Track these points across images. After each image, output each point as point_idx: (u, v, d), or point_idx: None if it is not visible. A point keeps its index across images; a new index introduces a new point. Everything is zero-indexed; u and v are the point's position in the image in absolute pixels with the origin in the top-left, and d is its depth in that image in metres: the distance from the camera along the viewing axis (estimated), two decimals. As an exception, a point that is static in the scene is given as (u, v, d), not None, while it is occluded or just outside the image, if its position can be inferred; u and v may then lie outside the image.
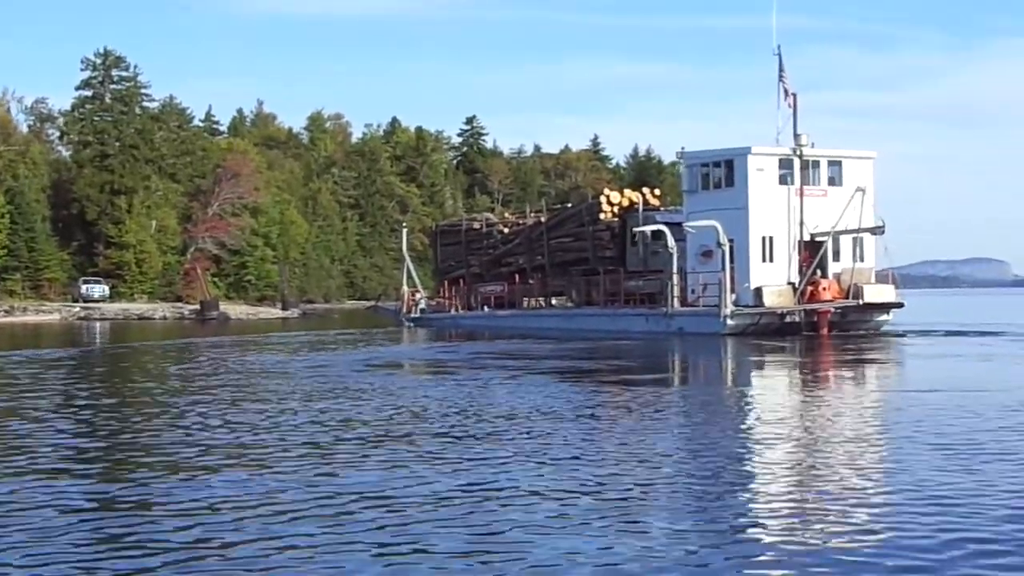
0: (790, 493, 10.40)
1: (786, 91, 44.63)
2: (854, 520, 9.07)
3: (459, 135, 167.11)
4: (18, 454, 12.98)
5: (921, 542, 8.30)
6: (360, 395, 19.61)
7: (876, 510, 9.47)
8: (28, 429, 15.37)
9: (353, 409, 17.31)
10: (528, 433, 14.33)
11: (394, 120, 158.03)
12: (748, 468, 11.99)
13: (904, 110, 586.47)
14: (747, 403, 19.25)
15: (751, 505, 9.95)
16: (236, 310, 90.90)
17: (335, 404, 18.08)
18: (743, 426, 15.61)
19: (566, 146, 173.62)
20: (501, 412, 16.60)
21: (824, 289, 42.88)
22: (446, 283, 64.04)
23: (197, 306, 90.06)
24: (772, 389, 23.04)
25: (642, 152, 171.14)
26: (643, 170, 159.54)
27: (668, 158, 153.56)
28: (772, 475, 11.53)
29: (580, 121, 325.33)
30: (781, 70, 44.75)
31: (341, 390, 20.55)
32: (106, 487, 10.90)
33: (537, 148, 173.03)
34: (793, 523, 9.04)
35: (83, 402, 19.30)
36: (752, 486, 10.91)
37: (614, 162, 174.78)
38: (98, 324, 72.66)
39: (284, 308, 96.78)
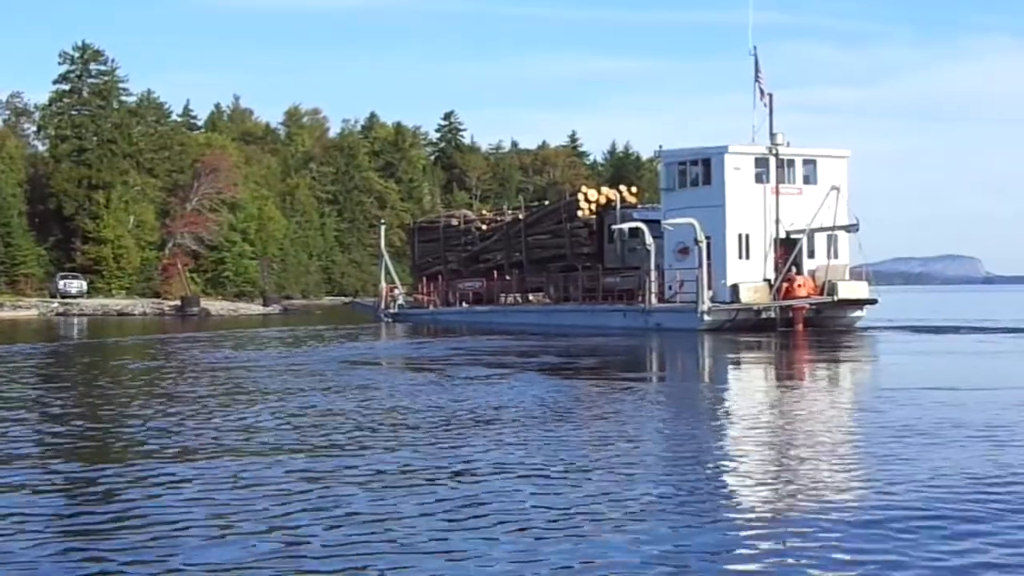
0: (768, 483, 10.77)
1: (762, 91, 45.26)
2: (836, 507, 9.47)
3: (437, 131, 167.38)
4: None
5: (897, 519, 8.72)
6: (356, 391, 20.01)
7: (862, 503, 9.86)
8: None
9: (348, 404, 17.69)
10: (507, 427, 14.67)
11: (372, 115, 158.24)
12: (729, 463, 12.32)
13: (877, 106, 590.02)
14: (726, 398, 19.66)
15: (732, 496, 10.24)
16: (216, 306, 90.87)
17: (322, 399, 18.48)
18: (723, 420, 16.00)
19: (543, 142, 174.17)
20: (478, 408, 16.90)
21: (799, 286, 43.51)
22: (424, 279, 64.41)
23: (177, 302, 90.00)
24: (749, 384, 23.47)
25: (620, 148, 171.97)
26: (621, 166, 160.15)
27: (646, 154, 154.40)
28: (751, 468, 11.87)
29: (557, 117, 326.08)
30: (757, 70, 45.34)
31: (334, 385, 20.92)
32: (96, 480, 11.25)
33: (515, 144, 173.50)
34: (772, 510, 9.44)
35: (95, 400, 19.58)
36: (733, 481, 11.20)
37: (592, 158, 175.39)
38: (76, 320, 72.45)
39: (265, 304, 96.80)
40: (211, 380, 22.48)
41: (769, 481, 10.83)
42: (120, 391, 20.75)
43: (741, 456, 12.60)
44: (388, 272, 65.89)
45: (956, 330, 41.70)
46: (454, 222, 64.67)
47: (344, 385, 20.93)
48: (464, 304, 59.74)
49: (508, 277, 58.14)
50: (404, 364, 28.71)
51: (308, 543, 8.37)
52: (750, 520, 9.07)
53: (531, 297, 57.83)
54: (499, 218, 62.80)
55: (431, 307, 61.82)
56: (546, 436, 13.79)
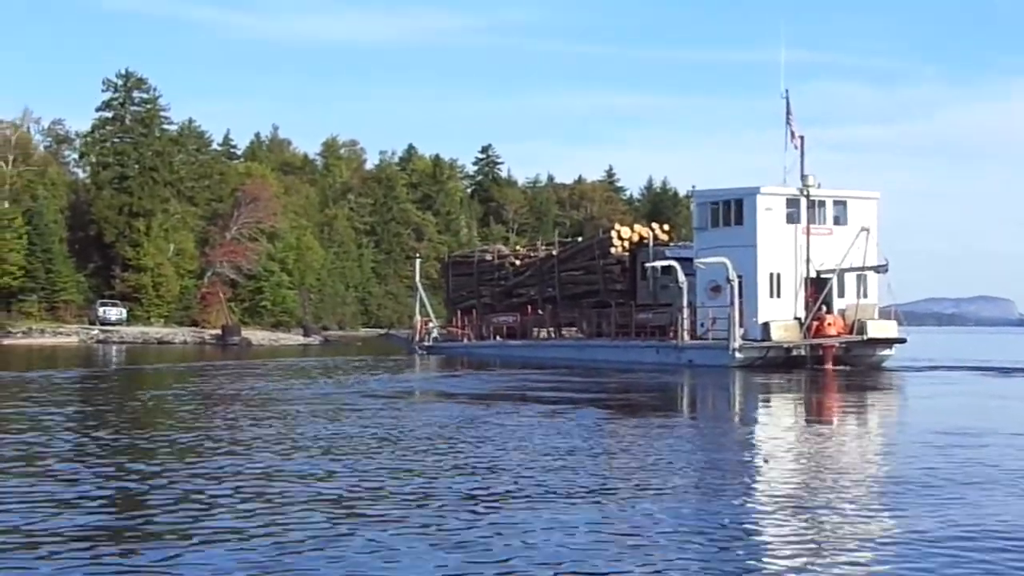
0: (794, 523, 11.29)
1: (793, 133, 45.94)
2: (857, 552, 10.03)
3: (474, 163, 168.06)
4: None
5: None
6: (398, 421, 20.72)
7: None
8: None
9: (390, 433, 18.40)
10: (543, 464, 15.24)
11: (410, 147, 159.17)
12: (761, 504, 12.58)
13: (906, 144, 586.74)
14: (759, 435, 20.26)
15: (761, 540, 10.57)
16: (257, 336, 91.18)
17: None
18: (755, 458, 16.59)
19: (580, 176, 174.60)
20: (514, 443, 17.49)
21: (829, 324, 44.06)
22: (458, 312, 65.12)
23: (218, 331, 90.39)
24: (780, 421, 24.00)
25: (657, 184, 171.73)
26: (659, 202, 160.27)
27: (683, 189, 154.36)
28: (778, 507, 12.34)
29: (593, 152, 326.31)
30: (789, 113, 46.04)
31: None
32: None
33: (551, 178, 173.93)
34: (795, 550, 10.03)
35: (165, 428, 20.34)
36: (763, 522, 11.44)
37: (628, 193, 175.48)
38: (114, 347, 72.62)
39: (305, 335, 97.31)
40: (291, 414, 23.15)
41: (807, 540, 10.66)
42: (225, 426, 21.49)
43: (772, 496, 13.06)
44: (423, 305, 66.66)
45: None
46: (488, 257, 65.43)
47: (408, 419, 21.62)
48: (498, 338, 60.36)
49: (541, 312, 58.79)
50: (453, 400, 29.26)
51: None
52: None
53: (564, 332, 58.47)
54: (533, 254, 63.50)
55: (465, 340, 62.49)
56: (581, 475, 14.36)
